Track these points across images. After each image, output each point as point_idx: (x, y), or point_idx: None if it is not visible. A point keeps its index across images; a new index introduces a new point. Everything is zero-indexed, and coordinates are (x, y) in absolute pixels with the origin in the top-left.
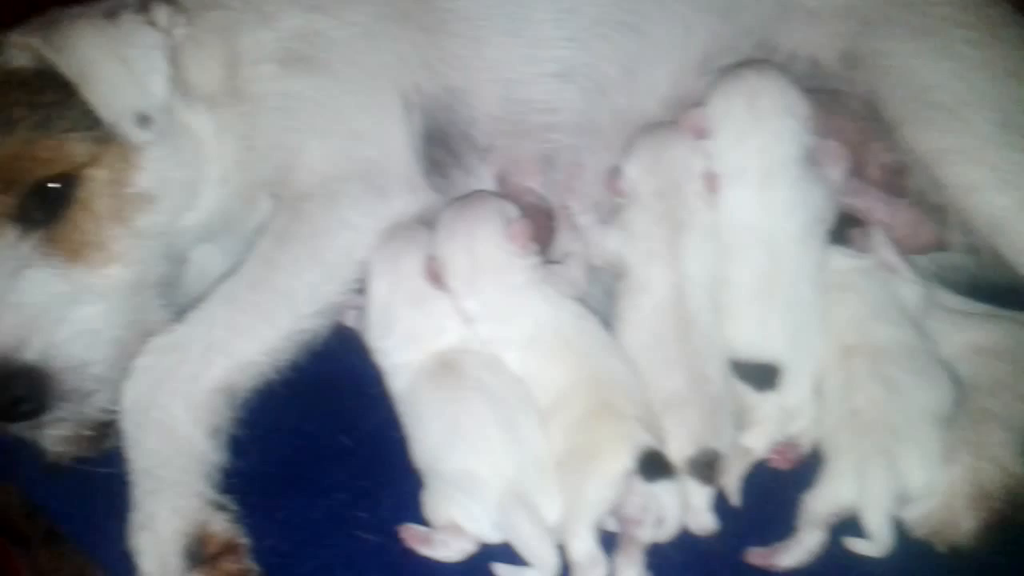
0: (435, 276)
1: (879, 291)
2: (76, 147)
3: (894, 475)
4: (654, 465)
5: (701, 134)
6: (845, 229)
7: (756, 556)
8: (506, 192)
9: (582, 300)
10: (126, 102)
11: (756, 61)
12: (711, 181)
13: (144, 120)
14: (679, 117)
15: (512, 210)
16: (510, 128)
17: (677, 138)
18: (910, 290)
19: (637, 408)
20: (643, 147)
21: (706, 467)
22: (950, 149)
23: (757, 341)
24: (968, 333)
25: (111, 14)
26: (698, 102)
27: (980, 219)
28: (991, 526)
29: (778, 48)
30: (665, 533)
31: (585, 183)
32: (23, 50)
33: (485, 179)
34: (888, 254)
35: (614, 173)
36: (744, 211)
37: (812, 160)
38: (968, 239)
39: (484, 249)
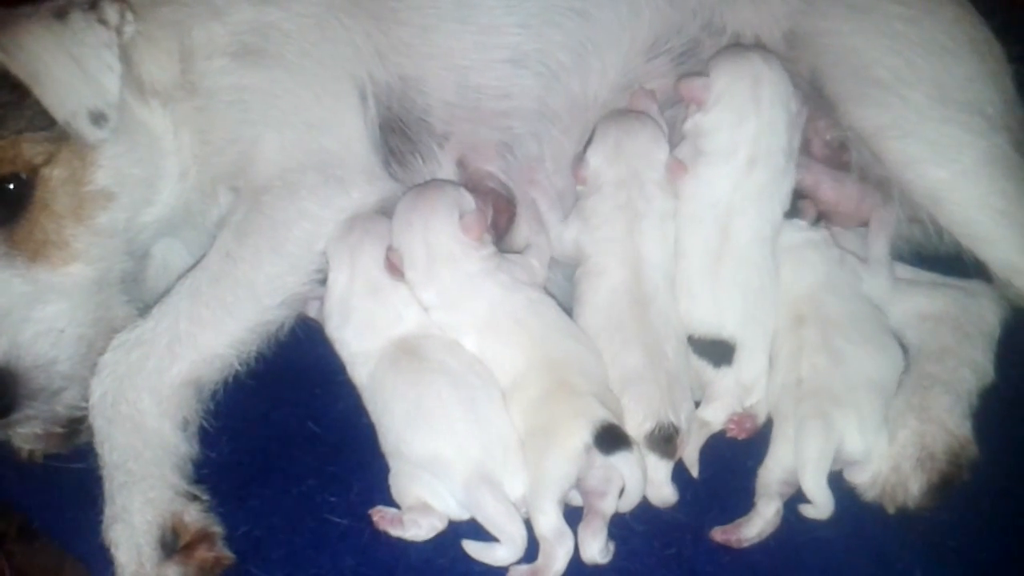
0: (394, 267)
1: (830, 263)
2: (31, 147)
3: (830, 437)
4: (611, 438)
5: (698, 105)
6: (796, 201)
7: (719, 533)
8: (466, 177)
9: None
10: (79, 101)
11: (760, 46)
12: (675, 167)
13: (98, 118)
14: (678, 84)
15: (467, 200)
16: (466, 114)
17: (640, 127)
18: (876, 283)
19: (593, 385)
20: (606, 136)
21: (664, 441)
22: (888, 125)
23: (712, 319)
24: (914, 301)
25: (61, 13)
26: (689, 72)
27: (919, 192)
28: (937, 486)
29: (724, 29)
30: (627, 503)
31: (544, 168)
32: None
33: (445, 166)
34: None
35: (577, 161)
36: (716, 189)
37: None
38: (911, 211)
39: (439, 241)
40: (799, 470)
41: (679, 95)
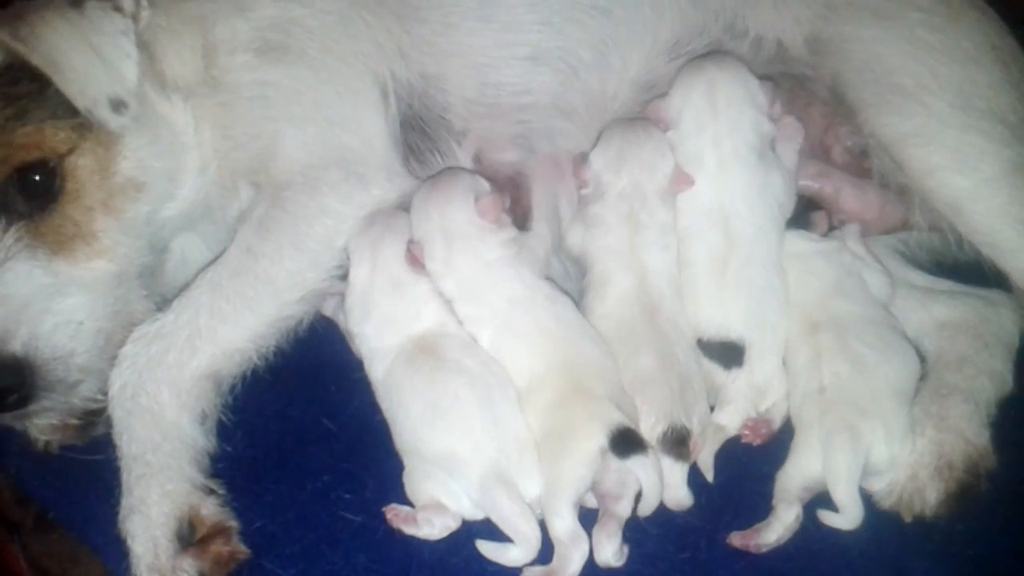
0: (415, 260)
1: (842, 271)
2: (54, 135)
3: (859, 449)
4: (626, 441)
5: (665, 124)
6: (807, 213)
7: (738, 538)
8: (482, 169)
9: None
10: (99, 88)
11: (718, 52)
12: (681, 178)
13: (119, 105)
14: (646, 108)
15: (482, 184)
16: (485, 111)
17: (645, 137)
18: (876, 279)
19: (609, 388)
20: (610, 142)
21: (676, 444)
22: (911, 132)
23: (719, 320)
24: (932, 309)
25: (77, 2)
26: (665, 91)
27: (940, 200)
28: (954, 495)
29: (746, 32)
30: (644, 507)
31: (567, 167)
32: None
33: (462, 162)
34: (856, 247)
35: (581, 160)
36: (701, 198)
37: (772, 147)
38: (931, 218)
39: (456, 226)
40: (830, 484)
41: (650, 118)
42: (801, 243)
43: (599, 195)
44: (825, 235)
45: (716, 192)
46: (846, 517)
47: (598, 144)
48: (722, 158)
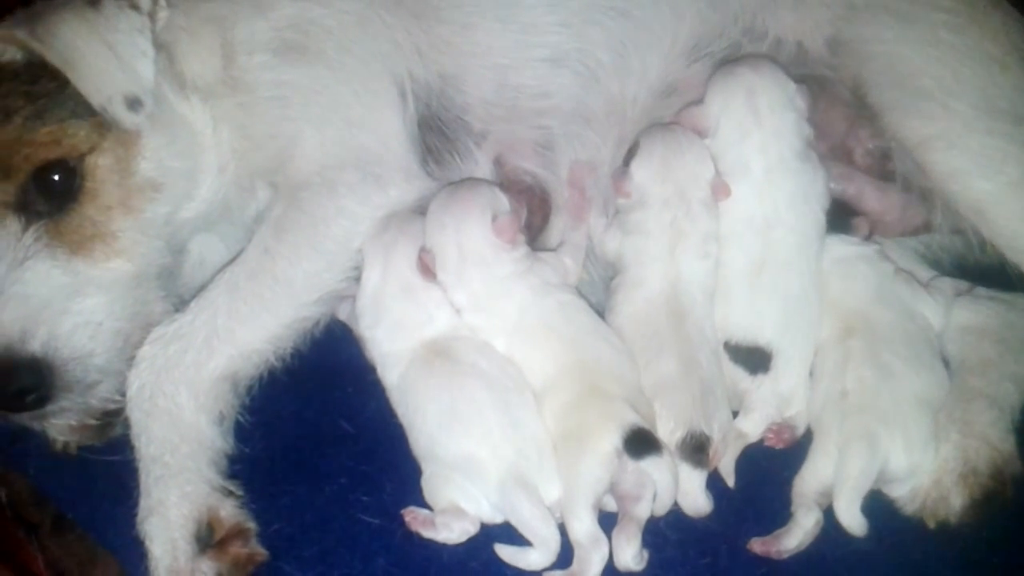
0: (426, 268)
1: (883, 278)
2: (75, 133)
3: (876, 457)
4: (640, 442)
5: (701, 133)
6: (848, 217)
7: (758, 544)
8: (502, 174)
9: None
10: (115, 86)
11: (751, 56)
12: (720, 188)
13: (134, 103)
14: (679, 115)
15: (501, 201)
16: (504, 113)
17: (687, 144)
18: (929, 307)
19: (625, 389)
20: (652, 152)
21: (695, 450)
22: (934, 136)
23: (749, 324)
24: (956, 313)
25: (93, 1)
26: (695, 99)
27: (964, 204)
28: (979, 502)
29: (766, 34)
30: (658, 507)
31: (592, 172)
32: (10, 44)
33: (482, 164)
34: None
35: (620, 173)
36: (745, 204)
37: (811, 146)
38: (953, 221)
39: (471, 243)
40: (836, 488)
41: (683, 126)
42: (843, 247)
43: (641, 204)
44: (866, 239)
45: (761, 200)
46: (847, 528)
47: (638, 154)
48: (769, 165)
